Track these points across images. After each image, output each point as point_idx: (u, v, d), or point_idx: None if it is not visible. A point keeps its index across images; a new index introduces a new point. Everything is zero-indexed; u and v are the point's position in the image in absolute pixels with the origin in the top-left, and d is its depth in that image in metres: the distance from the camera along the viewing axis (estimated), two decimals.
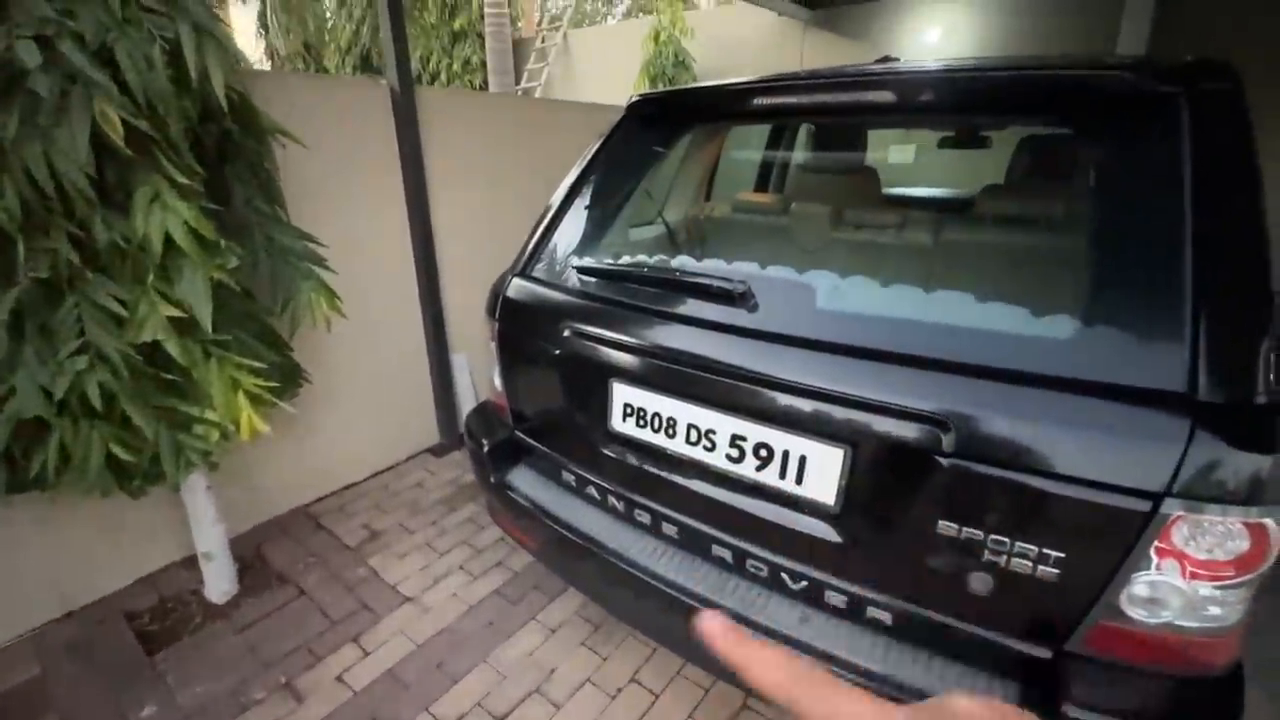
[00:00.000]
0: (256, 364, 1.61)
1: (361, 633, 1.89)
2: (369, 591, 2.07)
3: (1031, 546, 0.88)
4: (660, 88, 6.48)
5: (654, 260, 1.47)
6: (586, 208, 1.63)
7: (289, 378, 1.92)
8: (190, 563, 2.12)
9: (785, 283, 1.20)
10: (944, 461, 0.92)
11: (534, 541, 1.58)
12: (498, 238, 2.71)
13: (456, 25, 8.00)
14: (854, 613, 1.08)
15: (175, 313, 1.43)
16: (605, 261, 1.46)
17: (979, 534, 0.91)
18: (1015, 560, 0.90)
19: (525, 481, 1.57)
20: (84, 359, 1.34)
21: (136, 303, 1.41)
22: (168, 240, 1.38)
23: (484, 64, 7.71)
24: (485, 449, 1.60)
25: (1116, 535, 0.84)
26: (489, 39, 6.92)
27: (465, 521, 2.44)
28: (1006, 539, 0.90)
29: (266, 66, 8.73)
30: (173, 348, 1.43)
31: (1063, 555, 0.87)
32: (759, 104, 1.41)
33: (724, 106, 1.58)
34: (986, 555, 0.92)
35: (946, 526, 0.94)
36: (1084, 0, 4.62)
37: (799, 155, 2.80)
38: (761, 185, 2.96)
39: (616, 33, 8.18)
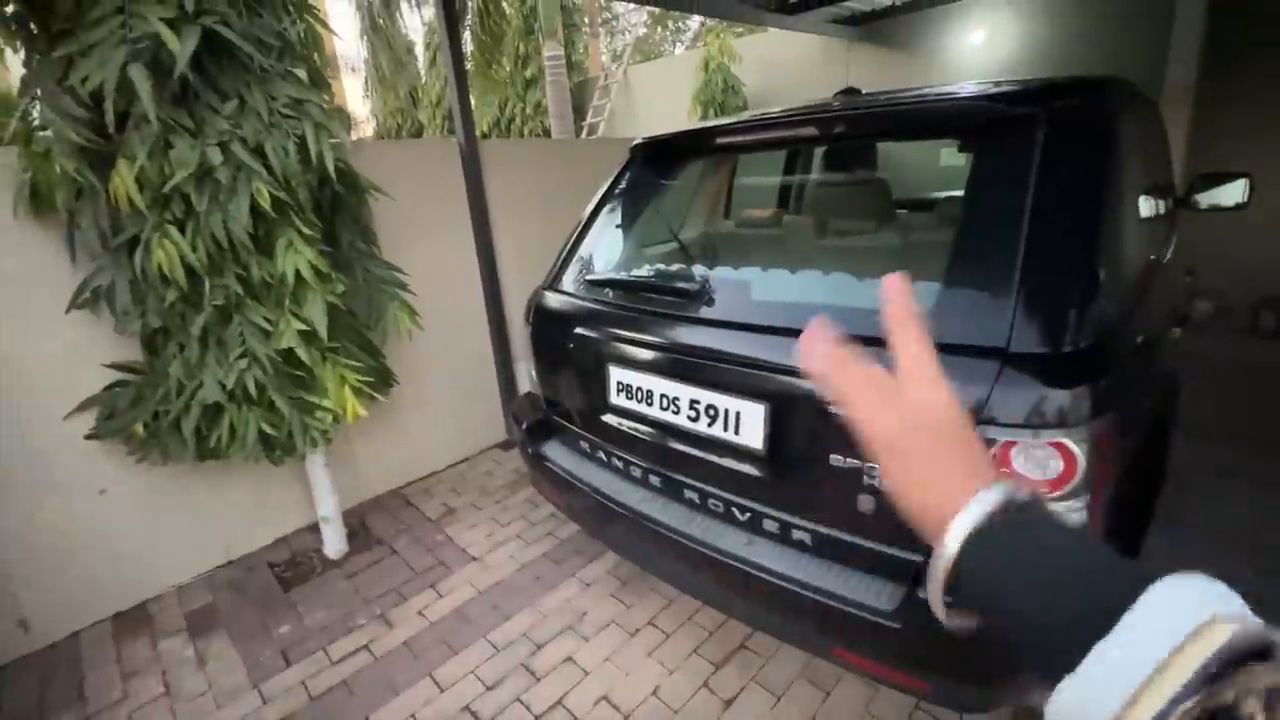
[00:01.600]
0: (357, 364, 2.13)
1: (438, 581, 2.36)
2: (445, 552, 2.54)
3: None
4: (712, 114, 6.86)
5: (638, 271, 1.84)
6: (608, 230, 2.03)
7: (383, 379, 2.46)
8: (314, 529, 2.69)
9: (732, 281, 1.53)
10: (829, 407, 1.21)
11: (565, 501, 1.97)
12: (550, 259, 3.19)
13: (528, 74, 8.86)
14: (784, 536, 1.37)
15: (303, 327, 1.97)
16: (603, 273, 1.85)
17: (859, 463, 1.20)
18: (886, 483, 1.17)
19: (556, 453, 1.97)
20: (245, 361, 1.90)
21: (278, 321, 1.96)
22: (297, 275, 1.92)
23: None
24: (524, 427, 2.02)
25: None
26: (549, 86, 7.64)
27: (524, 501, 2.88)
28: (876, 465, 1.17)
29: (372, 123, 10.03)
30: (302, 353, 1.97)
31: None
32: (720, 142, 1.76)
33: (698, 145, 1.94)
34: (865, 480, 1.20)
35: (837, 459, 1.23)
36: (1135, 7, 4.49)
37: (811, 176, 3.07)
38: (783, 202, 3.25)
39: (672, 65, 8.68)
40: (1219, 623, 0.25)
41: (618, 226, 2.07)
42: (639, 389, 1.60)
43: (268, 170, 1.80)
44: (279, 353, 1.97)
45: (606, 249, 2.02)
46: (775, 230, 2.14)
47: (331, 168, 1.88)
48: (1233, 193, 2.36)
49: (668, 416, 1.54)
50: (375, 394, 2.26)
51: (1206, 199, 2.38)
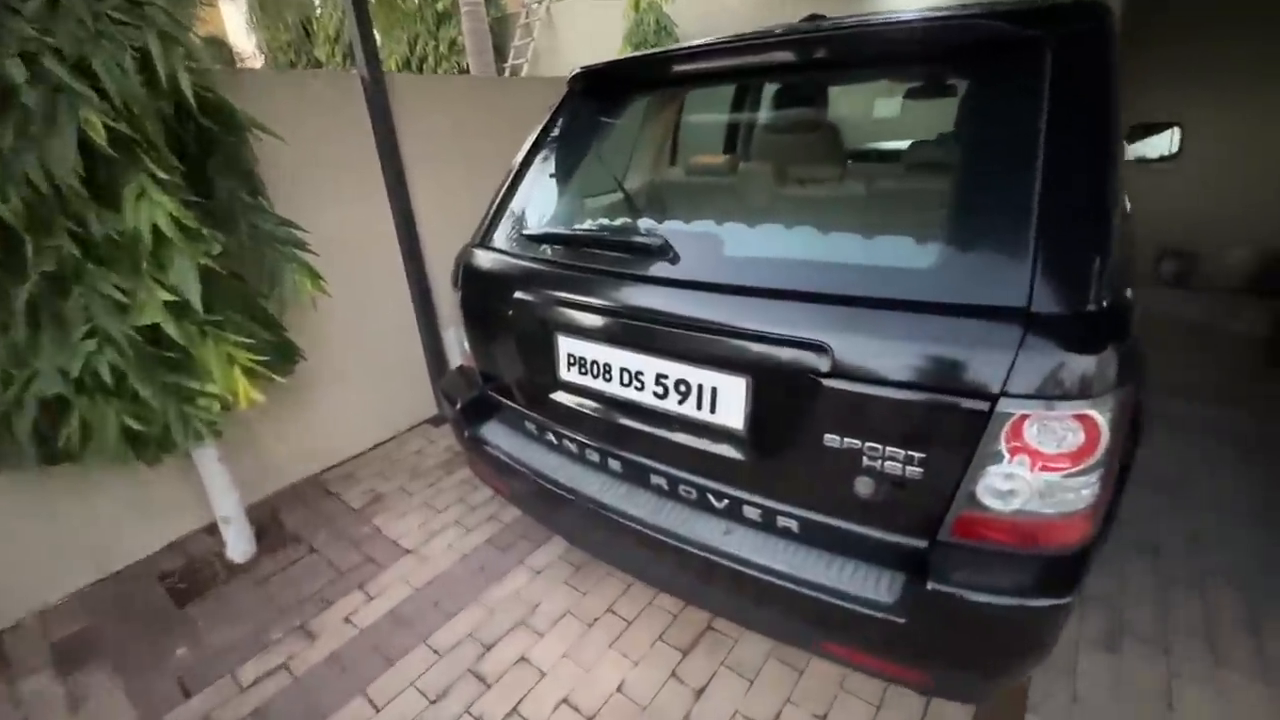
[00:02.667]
0: (248, 340, 1.78)
1: (366, 581, 2.10)
2: (373, 546, 2.27)
3: (900, 450, 1.01)
4: None
5: (609, 222, 1.59)
6: (542, 179, 1.75)
7: (285, 355, 2.10)
8: (214, 529, 2.33)
9: (700, 235, 1.32)
10: (824, 382, 1.04)
11: (509, 489, 1.75)
12: (478, 214, 2.84)
13: (440, 7, 8.01)
14: (767, 524, 1.22)
15: (170, 297, 1.59)
16: (545, 228, 1.59)
17: (857, 443, 1.05)
18: (888, 464, 1.03)
19: (497, 434, 1.73)
20: (93, 341, 1.52)
21: (136, 290, 1.57)
22: (156, 232, 1.53)
23: None
24: (458, 407, 1.76)
25: (965, 434, 0.96)
26: (465, 19, 6.93)
27: (461, 482, 2.62)
28: (879, 445, 1.03)
29: (260, 61, 8.83)
30: (171, 329, 1.60)
31: (925, 456, 1.00)
32: (673, 70, 1.51)
33: (646, 75, 1.68)
34: (865, 462, 1.05)
35: (831, 439, 1.07)
36: None
37: (757, 115, 2.87)
38: (729, 147, 3.03)
39: (600, 3, 8.10)
40: None
41: (555, 174, 1.79)
42: (594, 363, 1.38)
43: (100, 95, 1.39)
44: (140, 330, 1.59)
45: (544, 200, 1.75)
46: (730, 179, 1.92)
47: (189, 93, 1.48)
48: (1160, 144, 2.36)
49: (630, 393, 1.33)
50: (273, 374, 1.91)
51: (1134, 151, 2.37)
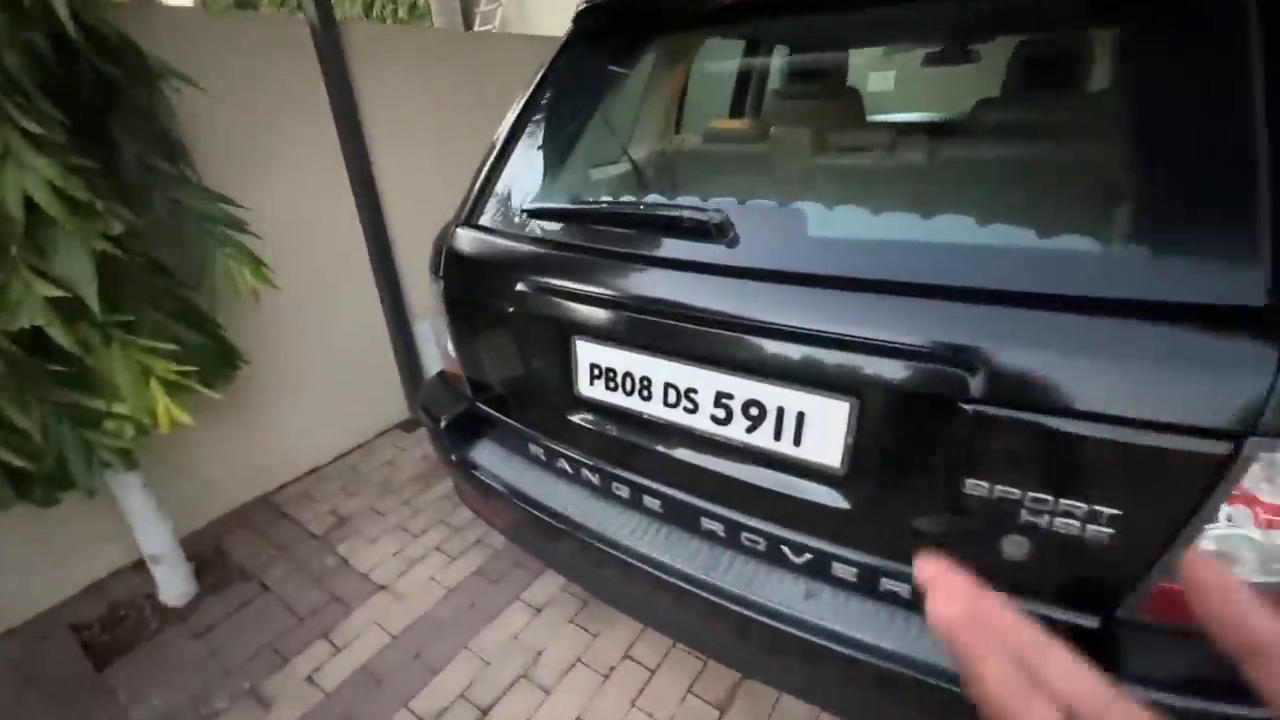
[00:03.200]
0: (167, 346, 1.40)
1: (331, 628, 1.76)
2: (338, 582, 1.92)
3: (1079, 504, 0.74)
4: None
5: (617, 196, 1.27)
6: (540, 143, 1.41)
7: (222, 360, 1.72)
8: (143, 566, 1.95)
9: (770, 211, 1.02)
10: (969, 409, 0.76)
11: (507, 523, 1.43)
12: (454, 190, 2.47)
13: None
14: (867, 586, 0.94)
15: (57, 292, 1.21)
16: (560, 201, 1.26)
17: (1015, 493, 0.77)
18: (1059, 520, 0.76)
19: (490, 458, 1.40)
20: None
21: (7, 283, 1.19)
22: (32, 206, 1.15)
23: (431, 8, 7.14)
24: (442, 425, 1.42)
25: (1186, 483, 0.69)
26: None
27: (441, 498, 2.28)
28: (1049, 497, 0.75)
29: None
30: (57, 333, 1.22)
31: (1118, 512, 0.72)
32: (722, 3, 1.18)
33: (672, 13, 1.35)
34: (1024, 517, 0.77)
35: (975, 486, 0.79)
36: None
37: (776, 80, 2.56)
38: (737, 114, 2.72)
39: None
40: None
41: (559, 136, 1.45)
42: (628, 375, 1.07)
43: None
44: (15, 337, 1.20)
45: (549, 168, 1.41)
46: (759, 146, 1.62)
47: (67, 19, 1.09)
48: None
49: (678, 417, 1.03)
50: (205, 388, 1.54)
51: None
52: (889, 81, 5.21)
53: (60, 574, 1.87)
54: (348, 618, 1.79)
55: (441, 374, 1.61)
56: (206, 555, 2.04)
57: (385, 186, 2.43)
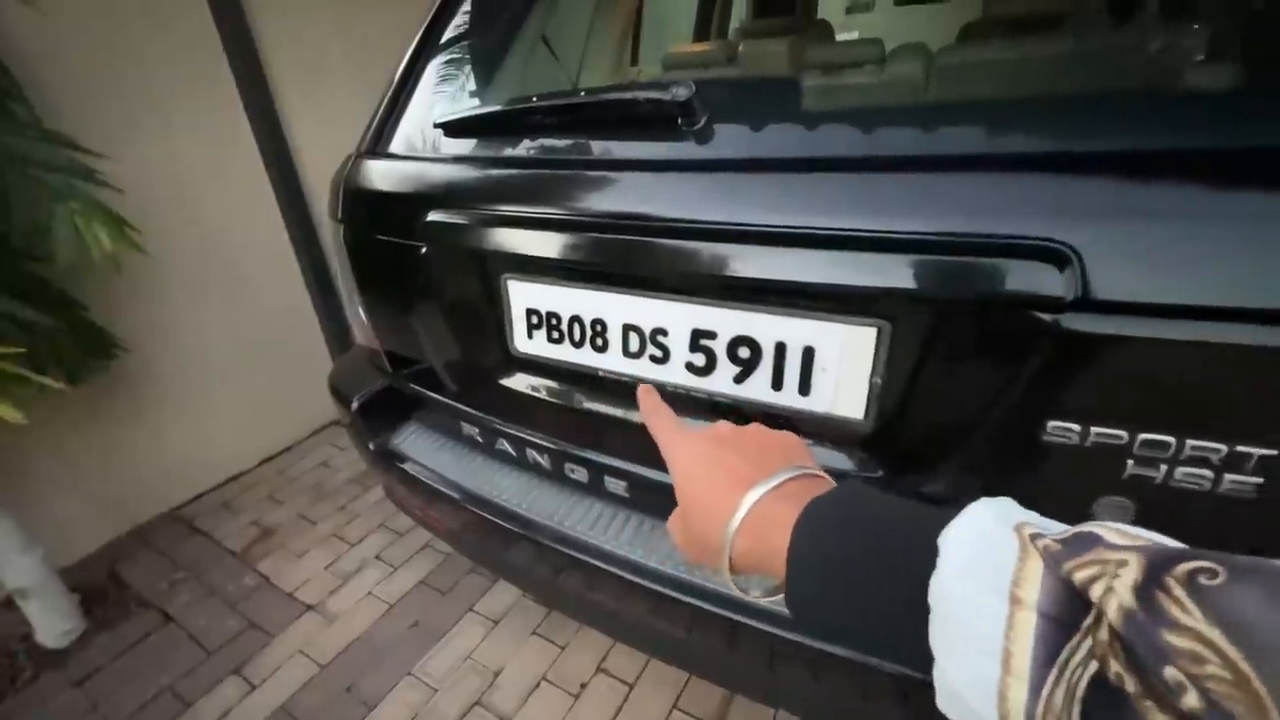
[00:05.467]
0: None
1: (247, 660, 1.47)
2: (258, 605, 1.63)
3: (1219, 445, 0.51)
4: None
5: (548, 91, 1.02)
6: (462, 57, 1.14)
7: (87, 347, 1.40)
8: (11, 605, 1.63)
9: (752, 86, 0.77)
10: (1059, 319, 0.53)
11: (444, 525, 1.16)
12: None
13: None
14: None
15: None
16: (474, 109, 0.99)
17: (1120, 435, 0.54)
18: (1183, 470, 0.53)
19: (418, 445, 1.14)
20: None
21: None
22: None
23: None
24: (355, 407, 1.15)
25: None
26: None
27: (382, 500, 2.00)
28: (1172, 438, 0.53)
29: None
30: None
31: (1273, 453, 0.50)
32: None
33: None
34: (1130, 468, 0.55)
35: (1061, 430, 0.56)
36: None
37: (739, 15, 2.32)
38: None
39: None
40: (1030, 551, 0.22)
41: (479, 54, 1.18)
42: (575, 321, 0.81)
43: None
44: None
45: (463, 88, 1.14)
46: (729, 69, 1.37)
47: None
48: None
49: (644, 369, 0.78)
50: (55, 380, 1.22)
51: None
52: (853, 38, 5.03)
53: None
54: (267, 647, 1.50)
55: (358, 347, 1.33)
56: (98, 584, 1.72)
57: (299, 137, 2.10)
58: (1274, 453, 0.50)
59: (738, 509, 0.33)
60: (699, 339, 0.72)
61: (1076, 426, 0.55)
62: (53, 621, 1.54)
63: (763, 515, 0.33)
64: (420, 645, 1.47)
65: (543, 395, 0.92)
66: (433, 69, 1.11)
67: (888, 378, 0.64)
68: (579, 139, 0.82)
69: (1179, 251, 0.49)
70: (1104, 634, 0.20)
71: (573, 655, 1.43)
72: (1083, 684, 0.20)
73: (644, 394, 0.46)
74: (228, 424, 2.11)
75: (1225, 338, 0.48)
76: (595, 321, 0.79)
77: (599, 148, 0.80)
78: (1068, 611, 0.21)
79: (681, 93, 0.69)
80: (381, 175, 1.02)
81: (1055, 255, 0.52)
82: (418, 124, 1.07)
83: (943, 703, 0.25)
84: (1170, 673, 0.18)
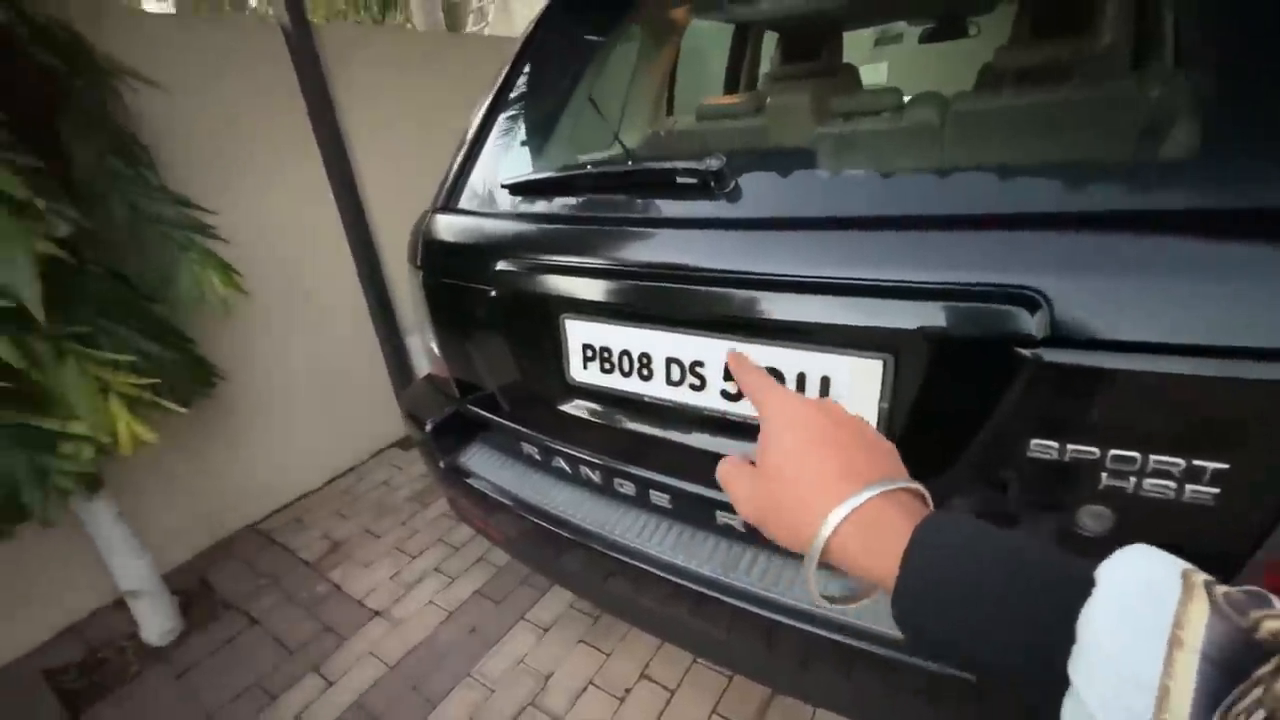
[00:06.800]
0: (126, 358, 1.29)
1: (323, 660, 1.62)
2: (331, 610, 1.79)
3: (1177, 460, 0.60)
4: None
5: (600, 158, 1.16)
6: (521, 123, 1.31)
7: (194, 375, 1.61)
8: (124, 604, 1.83)
9: (771, 157, 0.90)
10: (1034, 354, 0.63)
11: (504, 535, 1.30)
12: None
13: None
14: None
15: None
16: (533, 171, 1.15)
17: (1093, 451, 0.64)
18: (1149, 483, 0.62)
19: (483, 463, 1.28)
20: None
21: None
22: None
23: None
24: (428, 429, 1.30)
25: None
26: None
27: (440, 516, 2.16)
28: (1136, 453, 0.62)
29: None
30: (1, 347, 1.11)
31: (1225, 467, 0.59)
32: None
33: None
34: (1104, 481, 0.64)
35: (1042, 447, 0.66)
36: None
37: (767, 63, 2.47)
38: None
39: None
40: (1195, 596, 0.23)
41: (535, 119, 1.35)
42: (624, 354, 0.94)
43: None
44: None
45: (523, 149, 1.31)
46: (757, 119, 1.50)
47: None
48: None
49: (684, 396, 0.90)
50: (172, 403, 1.43)
51: None
52: (881, 74, 5.15)
53: (33, 618, 1.74)
54: (341, 648, 1.66)
55: (428, 377, 1.49)
56: (192, 589, 1.92)
57: (369, 191, 2.34)
58: (1226, 466, 0.59)
59: (851, 498, 0.33)
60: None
61: (1055, 444, 0.65)
62: (157, 621, 1.73)
63: (878, 512, 0.33)
64: (477, 649, 1.60)
65: (595, 419, 1.05)
66: (495, 135, 1.29)
67: (894, 402, 0.74)
68: (626, 199, 0.97)
69: (1132, 297, 0.59)
70: None
71: (617, 661, 1.53)
72: None
73: (733, 357, 0.45)
74: (301, 446, 2.32)
75: (1174, 369, 0.58)
76: (642, 355, 0.92)
77: (643, 207, 0.94)
78: (1236, 658, 0.21)
79: (714, 164, 0.83)
80: (455, 229, 1.19)
81: (1028, 300, 0.62)
82: (484, 183, 1.23)
83: None
84: None
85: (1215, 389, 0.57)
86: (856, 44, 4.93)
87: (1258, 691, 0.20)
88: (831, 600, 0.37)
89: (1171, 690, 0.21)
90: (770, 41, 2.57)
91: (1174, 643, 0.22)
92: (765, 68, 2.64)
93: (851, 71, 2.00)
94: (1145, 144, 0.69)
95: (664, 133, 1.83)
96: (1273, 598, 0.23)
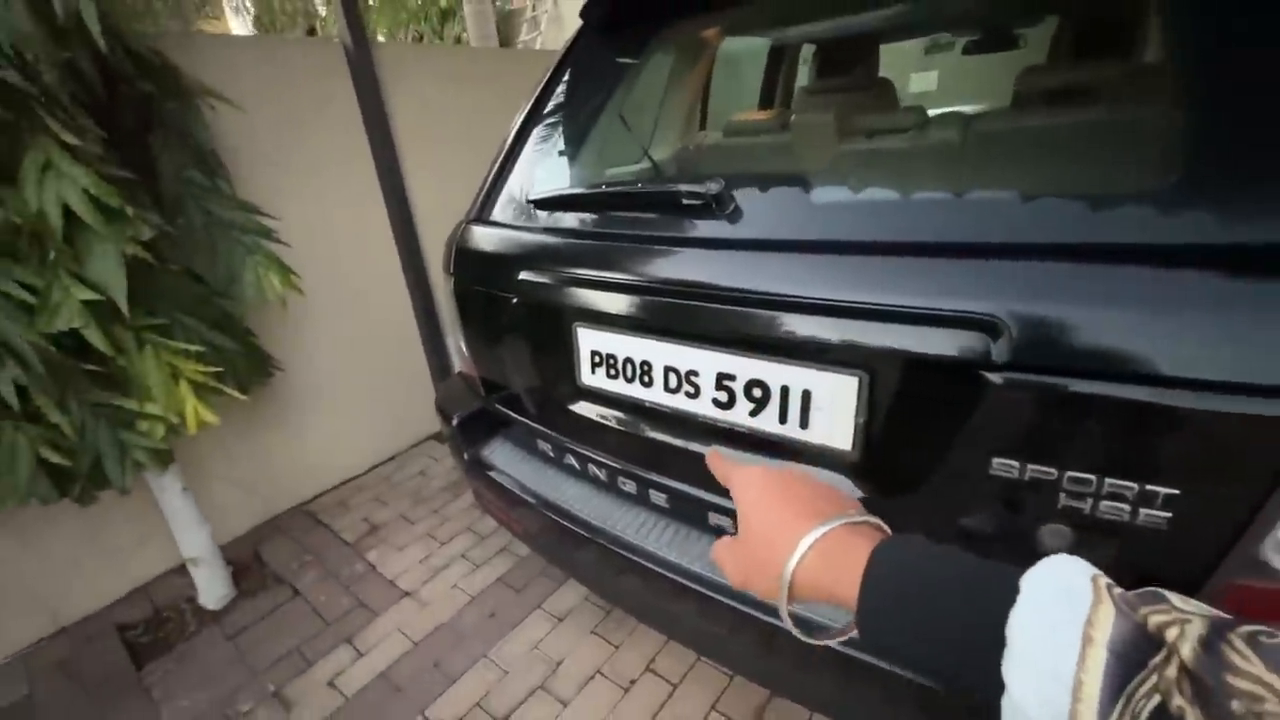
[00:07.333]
0: (195, 348, 1.45)
1: (356, 632, 1.76)
2: (366, 588, 1.93)
3: (1130, 484, 0.63)
4: None
5: (612, 177, 1.24)
6: (553, 139, 1.40)
7: (254, 366, 1.77)
8: (185, 570, 2.02)
9: (774, 180, 0.95)
10: (995, 377, 0.67)
11: (522, 526, 1.39)
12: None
13: (444, 4, 7.75)
14: None
15: (92, 296, 1.27)
16: (555, 189, 1.23)
17: (1051, 472, 0.67)
18: (1105, 504, 0.65)
19: (503, 457, 1.38)
20: None
21: (48, 288, 1.25)
22: (68, 213, 1.21)
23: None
24: (455, 423, 1.41)
25: (1263, 456, 0.58)
26: (470, 17, 6.65)
27: (469, 507, 2.28)
28: (1092, 476, 0.65)
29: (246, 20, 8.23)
30: (93, 335, 1.27)
31: (1177, 492, 0.62)
32: None
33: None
34: (1063, 500, 0.67)
35: (1004, 465, 0.69)
36: None
37: (803, 75, 2.50)
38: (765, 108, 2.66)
39: None
40: (1104, 598, 0.27)
41: (567, 135, 1.44)
42: (628, 361, 1.02)
43: None
44: (55, 339, 1.26)
45: (555, 162, 1.40)
46: (781, 136, 1.55)
47: (95, 29, 1.15)
48: None
49: (680, 403, 0.97)
50: (234, 390, 1.58)
51: None
52: (931, 81, 5.05)
53: (110, 577, 1.95)
54: (372, 623, 1.78)
55: (459, 375, 1.60)
56: (245, 560, 2.09)
57: (417, 199, 2.49)
58: (1176, 491, 0.62)
59: (810, 533, 0.37)
60: (722, 380, 0.90)
61: (1015, 463, 0.69)
62: (213, 587, 1.91)
63: (840, 542, 0.36)
64: (495, 633, 1.70)
65: (602, 420, 1.12)
66: (529, 149, 1.38)
67: (869, 417, 0.79)
68: (637, 217, 1.04)
69: (1088, 327, 0.62)
70: (1172, 671, 0.23)
71: (625, 654, 1.60)
72: (1144, 714, 0.23)
73: (712, 456, 0.50)
74: (347, 434, 2.49)
75: (1127, 395, 0.61)
76: (643, 363, 0.99)
77: (650, 225, 1.01)
78: (1135, 651, 0.24)
79: (714, 187, 0.89)
80: (485, 239, 1.29)
81: (990, 326, 0.66)
82: (514, 196, 1.33)
83: None
84: (1236, 706, 0.20)
85: (1165, 417, 0.60)
86: (906, 54, 4.85)
87: (1154, 679, 0.23)
88: (810, 634, 0.41)
89: (1084, 682, 0.24)
90: (809, 52, 2.59)
91: (1086, 640, 0.25)
92: (802, 80, 2.68)
93: (887, 85, 2.01)
94: (1108, 177, 0.71)
95: (692, 148, 1.89)
96: (1169, 595, 0.26)
